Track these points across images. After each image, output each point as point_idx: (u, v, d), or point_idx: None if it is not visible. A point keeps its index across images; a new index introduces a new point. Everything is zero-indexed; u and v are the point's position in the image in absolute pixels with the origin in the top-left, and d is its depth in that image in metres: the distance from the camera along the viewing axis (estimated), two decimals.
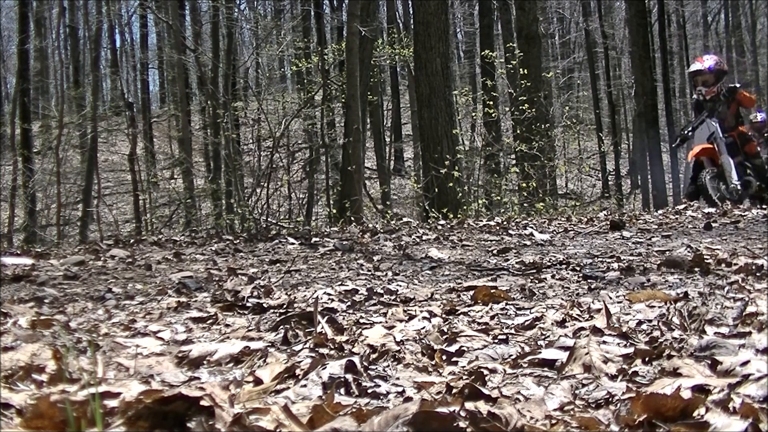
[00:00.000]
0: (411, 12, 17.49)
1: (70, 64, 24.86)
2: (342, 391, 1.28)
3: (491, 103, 12.37)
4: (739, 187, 7.57)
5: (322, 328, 1.76)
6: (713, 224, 4.48)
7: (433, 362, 1.48)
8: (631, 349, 1.48)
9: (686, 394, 1.07)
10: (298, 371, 1.38)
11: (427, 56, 9.96)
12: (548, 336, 1.70)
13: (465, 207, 9.61)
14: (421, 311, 2.01)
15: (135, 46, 29.96)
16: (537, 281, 2.64)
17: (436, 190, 9.40)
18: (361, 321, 1.95)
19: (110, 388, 1.09)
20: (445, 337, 1.69)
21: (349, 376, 1.32)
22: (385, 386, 1.31)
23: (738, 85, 8.08)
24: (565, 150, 20.13)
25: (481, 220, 6.09)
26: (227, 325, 1.99)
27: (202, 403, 1.00)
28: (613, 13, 29.43)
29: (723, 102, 7.91)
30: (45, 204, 17.70)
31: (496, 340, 1.66)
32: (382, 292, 2.47)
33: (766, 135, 11.84)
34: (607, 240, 4.03)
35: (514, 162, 12.30)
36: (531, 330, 1.78)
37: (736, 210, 5.49)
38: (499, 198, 10.98)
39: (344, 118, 13.34)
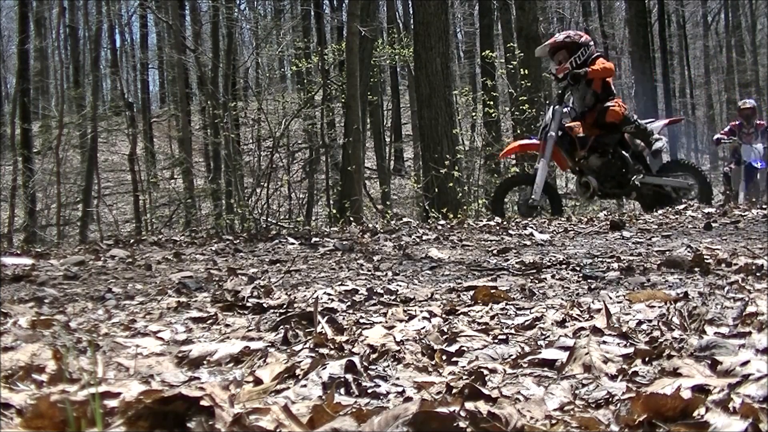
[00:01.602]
0: (411, 12, 17.49)
1: (70, 64, 24.88)
2: (342, 391, 1.29)
3: (491, 103, 12.38)
4: (536, 203, 6.53)
5: (322, 328, 1.76)
6: (713, 224, 4.48)
7: (433, 362, 1.48)
8: (631, 349, 1.48)
9: (686, 394, 1.07)
10: (298, 371, 1.38)
11: (427, 56, 9.97)
12: (548, 336, 1.70)
13: (465, 207, 9.62)
14: (421, 311, 2.01)
15: (135, 46, 30.00)
16: (537, 281, 2.64)
17: (436, 190, 9.42)
18: (361, 321, 1.95)
19: (110, 388, 1.09)
20: (445, 337, 1.69)
21: (349, 376, 1.32)
22: (385, 386, 1.31)
23: (582, 71, 6.66)
24: None
25: (481, 220, 6.09)
26: (227, 325, 1.99)
27: (202, 403, 1.00)
28: (613, 13, 29.45)
29: (582, 79, 6.78)
30: (45, 204, 17.72)
31: (496, 340, 1.66)
32: (382, 292, 2.47)
33: (756, 123, 10.55)
34: (607, 240, 4.03)
35: (514, 162, 12.31)
36: (531, 330, 1.78)
37: (736, 210, 5.49)
38: None
39: (344, 118, 13.34)
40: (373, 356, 1.51)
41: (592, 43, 6.93)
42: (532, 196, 6.52)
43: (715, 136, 11.14)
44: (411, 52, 12.90)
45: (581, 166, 6.72)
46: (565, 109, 6.81)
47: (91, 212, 17.94)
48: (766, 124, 10.72)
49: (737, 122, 10.72)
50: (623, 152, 6.69)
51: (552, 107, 6.79)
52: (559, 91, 6.87)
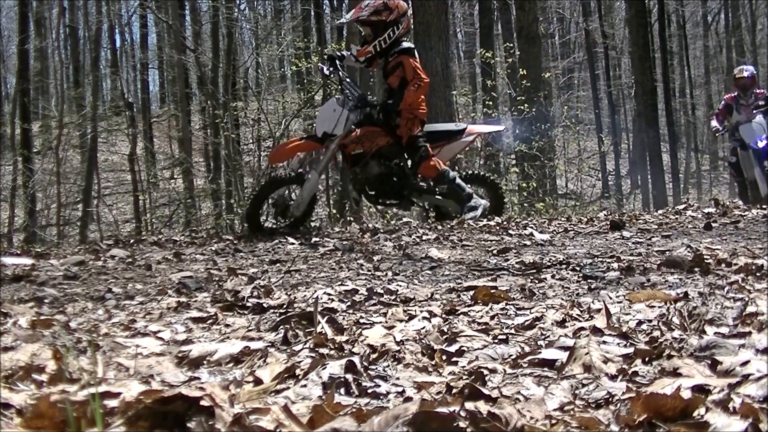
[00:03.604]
0: (411, 12, 17.48)
1: (70, 64, 24.88)
2: (342, 391, 1.29)
3: (490, 103, 12.39)
4: (296, 213, 5.44)
5: (322, 328, 1.76)
6: (713, 224, 4.48)
7: (433, 362, 1.48)
8: (631, 349, 1.48)
9: (686, 394, 1.07)
10: (298, 371, 1.38)
11: (427, 56, 9.96)
12: (548, 336, 1.70)
13: None
14: (421, 311, 2.01)
15: (135, 46, 29.96)
16: (537, 281, 2.64)
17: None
18: (361, 321, 1.95)
19: (110, 388, 1.09)
20: (445, 337, 1.69)
21: (349, 376, 1.32)
22: (385, 386, 1.31)
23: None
24: (565, 150, 20.15)
25: (481, 220, 6.09)
26: (227, 325, 1.99)
27: (202, 403, 1.00)
28: (613, 13, 29.47)
29: (382, 66, 5.67)
30: (45, 204, 17.72)
31: (496, 340, 1.66)
32: (382, 292, 2.47)
33: (755, 92, 8.86)
34: (607, 240, 4.03)
35: (514, 162, 12.32)
36: (531, 330, 1.78)
37: (736, 210, 5.49)
38: None
39: None
40: (373, 356, 1.51)
41: (406, 15, 5.75)
42: (295, 208, 5.45)
43: (712, 124, 9.45)
44: None
45: (355, 175, 5.75)
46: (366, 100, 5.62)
47: (91, 212, 17.95)
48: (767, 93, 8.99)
49: (733, 95, 9.08)
50: (404, 165, 5.71)
51: (344, 108, 5.48)
52: (347, 90, 5.62)
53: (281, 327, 1.85)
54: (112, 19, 24.77)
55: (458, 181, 5.69)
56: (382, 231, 4.93)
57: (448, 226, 5.02)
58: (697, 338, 1.53)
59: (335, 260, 3.61)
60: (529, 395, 1.24)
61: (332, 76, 5.86)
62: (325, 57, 6.03)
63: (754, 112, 8.61)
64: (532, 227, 4.75)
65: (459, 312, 2.03)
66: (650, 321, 1.79)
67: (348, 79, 5.75)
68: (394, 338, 1.65)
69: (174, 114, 24.92)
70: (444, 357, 1.52)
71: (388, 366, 1.45)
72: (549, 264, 3.08)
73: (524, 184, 10.96)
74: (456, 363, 1.49)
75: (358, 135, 5.51)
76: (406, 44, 5.68)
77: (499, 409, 1.03)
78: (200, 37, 20.65)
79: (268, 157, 5.75)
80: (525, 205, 10.65)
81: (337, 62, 5.72)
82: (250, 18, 23.64)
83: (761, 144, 8.38)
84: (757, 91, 8.93)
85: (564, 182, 22.16)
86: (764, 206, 5.85)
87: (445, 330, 1.76)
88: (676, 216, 5.28)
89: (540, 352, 1.50)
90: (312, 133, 5.58)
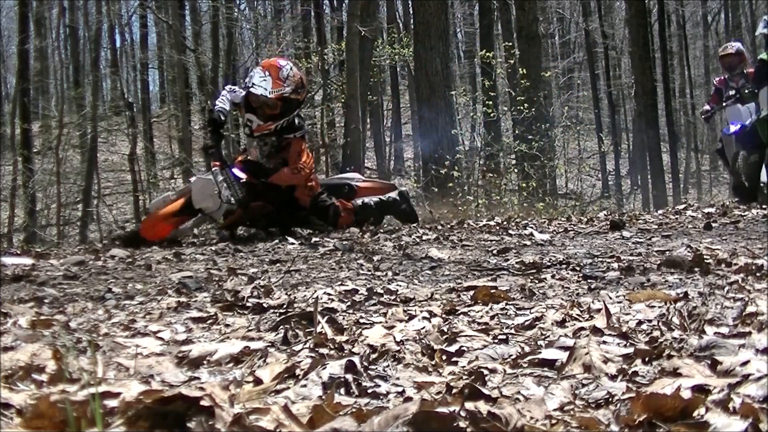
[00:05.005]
0: (411, 12, 17.50)
1: (70, 64, 24.88)
2: (342, 391, 1.29)
3: (490, 103, 12.41)
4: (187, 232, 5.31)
5: (322, 328, 1.76)
6: (713, 224, 4.48)
7: (433, 362, 1.48)
8: (631, 349, 1.48)
9: (686, 394, 1.07)
10: (298, 371, 1.38)
11: (427, 56, 9.99)
12: (548, 336, 1.70)
13: (465, 207, 9.63)
14: (421, 311, 2.01)
15: (135, 46, 29.92)
16: (537, 281, 2.64)
17: (436, 190, 9.43)
18: (361, 321, 1.95)
19: (110, 388, 1.09)
20: (445, 337, 1.69)
21: (349, 376, 1.32)
22: (385, 386, 1.31)
23: (292, 137, 5.33)
24: (565, 150, 20.15)
25: (481, 220, 6.09)
26: (227, 325, 1.99)
27: (202, 403, 1.00)
28: (613, 13, 29.47)
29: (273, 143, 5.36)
30: (45, 204, 17.72)
31: (496, 340, 1.66)
32: (382, 292, 2.47)
33: (746, 72, 8.06)
34: (607, 240, 4.03)
35: (514, 162, 12.32)
36: (531, 330, 1.78)
37: (736, 210, 5.49)
38: (498, 198, 11.01)
39: (344, 118, 13.35)
40: (373, 356, 1.51)
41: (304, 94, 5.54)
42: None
43: (704, 108, 8.69)
44: (411, 52, 12.91)
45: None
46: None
47: (91, 212, 17.95)
48: None
49: (723, 77, 8.44)
50: (294, 210, 5.48)
51: (222, 202, 5.13)
52: (228, 182, 5.16)
53: (281, 327, 1.85)
54: (112, 19, 24.74)
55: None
56: (382, 231, 4.93)
57: (448, 226, 5.02)
58: (697, 338, 1.53)
59: (335, 260, 3.61)
60: (529, 395, 1.24)
61: (212, 150, 5.32)
62: (207, 115, 5.57)
63: (725, 104, 7.96)
64: (532, 227, 4.75)
65: (459, 312, 2.03)
66: (650, 321, 1.79)
67: (233, 171, 5.24)
68: (394, 338, 1.65)
69: (174, 114, 24.91)
70: (444, 357, 1.52)
71: (388, 366, 1.45)
72: (549, 264, 3.08)
73: (524, 184, 10.97)
74: (456, 363, 1.48)
75: (241, 215, 5.29)
76: (303, 126, 5.48)
77: (499, 409, 1.03)
78: (200, 37, 20.64)
79: (140, 230, 5.19)
80: (525, 205, 10.65)
81: (221, 131, 5.36)
82: (250, 18, 23.66)
83: (733, 129, 7.65)
84: (748, 70, 8.11)
85: (564, 182, 22.16)
86: (764, 206, 5.85)
87: (445, 330, 1.75)
88: (676, 216, 5.28)
89: (540, 352, 1.49)
90: (188, 197, 5.21)
